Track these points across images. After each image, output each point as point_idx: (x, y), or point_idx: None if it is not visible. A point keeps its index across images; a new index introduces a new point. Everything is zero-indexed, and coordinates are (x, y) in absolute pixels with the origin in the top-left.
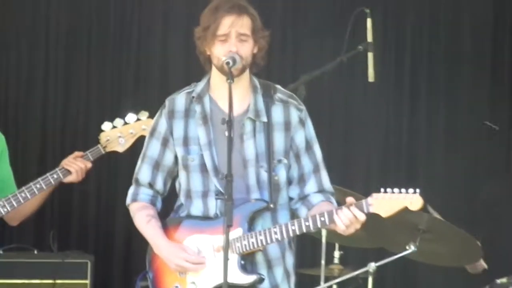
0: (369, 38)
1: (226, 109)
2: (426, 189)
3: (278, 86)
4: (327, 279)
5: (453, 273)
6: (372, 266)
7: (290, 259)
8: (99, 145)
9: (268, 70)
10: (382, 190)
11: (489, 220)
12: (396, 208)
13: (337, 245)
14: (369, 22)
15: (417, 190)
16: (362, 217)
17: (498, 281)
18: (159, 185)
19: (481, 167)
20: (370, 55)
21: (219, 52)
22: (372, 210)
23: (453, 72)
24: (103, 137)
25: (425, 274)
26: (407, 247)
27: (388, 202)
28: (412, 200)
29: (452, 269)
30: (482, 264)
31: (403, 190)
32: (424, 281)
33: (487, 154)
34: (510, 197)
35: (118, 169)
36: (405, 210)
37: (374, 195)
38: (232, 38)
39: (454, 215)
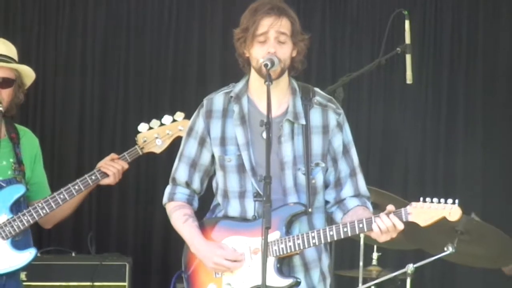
0: (407, 40)
1: (264, 110)
2: (464, 191)
3: (317, 89)
4: (365, 281)
5: (491, 275)
6: (410, 267)
7: (326, 261)
8: (136, 146)
9: (307, 72)
10: (421, 199)
11: None
12: (435, 218)
13: (375, 247)
14: (407, 24)
15: (456, 201)
16: (400, 226)
17: None
18: (196, 184)
19: None
20: (408, 57)
21: (257, 53)
22: (411, 219)
23: (491, 73)
24: (140, 138)
25: (463, 275)
26: (445, 249)
27: (427, 211)
28: (451, 210)
29: (490, 271)
30: None
31: (442, 200)
32: (462, 283)
33: None
34: None
35: (156, 171)
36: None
37: (413, 204)
38: (270, 40)
39: (493, 218)
